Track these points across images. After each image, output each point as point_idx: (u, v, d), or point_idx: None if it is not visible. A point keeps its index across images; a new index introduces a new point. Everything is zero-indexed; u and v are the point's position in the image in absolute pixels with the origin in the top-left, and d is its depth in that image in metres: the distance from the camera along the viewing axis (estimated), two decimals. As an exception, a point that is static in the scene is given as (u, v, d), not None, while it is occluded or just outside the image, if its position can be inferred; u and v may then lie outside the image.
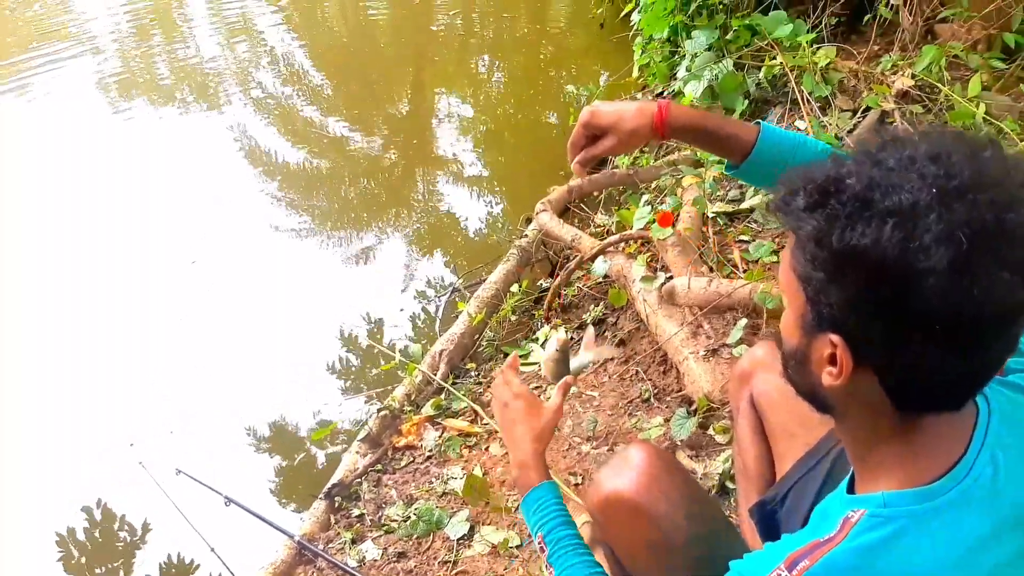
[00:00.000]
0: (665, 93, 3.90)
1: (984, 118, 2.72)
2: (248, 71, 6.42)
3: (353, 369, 3.54)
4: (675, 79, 3.62)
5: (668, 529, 1.20)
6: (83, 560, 2.91)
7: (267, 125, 5.62)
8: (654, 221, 2.67)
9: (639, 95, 4.14)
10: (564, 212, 3.51)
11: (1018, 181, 0.68)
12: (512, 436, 1.28)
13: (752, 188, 2.88)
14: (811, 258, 0.72)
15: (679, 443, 2.17)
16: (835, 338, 0.72)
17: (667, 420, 2.29)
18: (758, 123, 1.16)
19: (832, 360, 0.74)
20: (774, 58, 3.26)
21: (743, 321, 2.33)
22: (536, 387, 2.73)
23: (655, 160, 3.33)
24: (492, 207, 4.55)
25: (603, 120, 1.16)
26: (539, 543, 1.17)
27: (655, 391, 2.46)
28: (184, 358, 3.54)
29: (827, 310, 0.72)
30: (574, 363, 1.41)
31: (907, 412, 0.75)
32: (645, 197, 3.02)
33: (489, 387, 2.80)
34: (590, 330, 1.46)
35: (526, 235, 3.41)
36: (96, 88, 6.22)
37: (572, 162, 1.23)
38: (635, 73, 4.00)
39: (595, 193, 3.65)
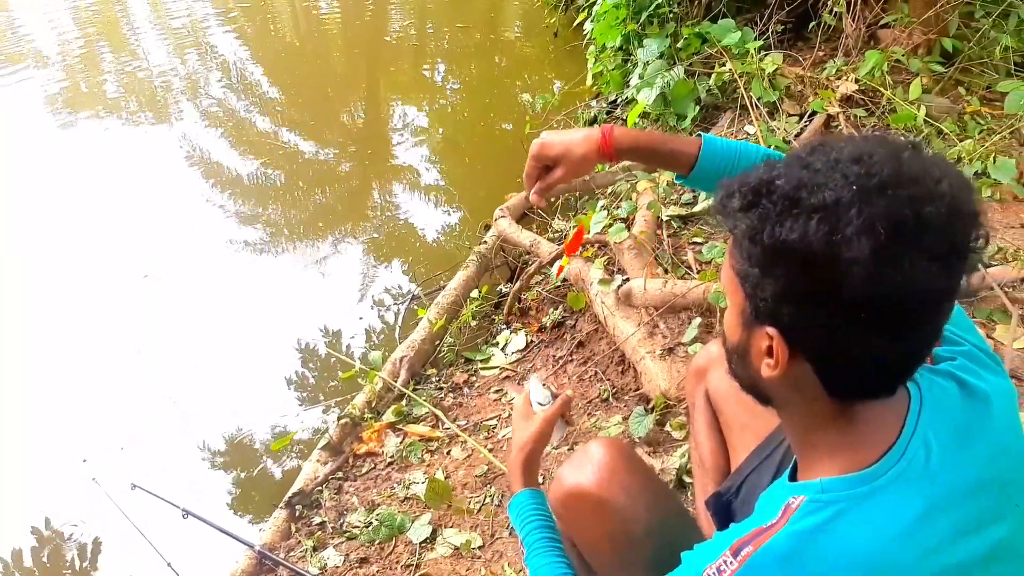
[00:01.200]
0: (619, 100, 3.97)
1: (925, 120, 2.83)
2: (198, 82, 6.35)
3: (311, 380, 3.51)
4: (628, 87, 3.69)
5: (628, 521, 1.22)
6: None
7: (219, 137, 5.55)
8: (611, 225, 2.72)
9: (593, 103, 4.20)
10: (522, 218, 3.54)
11: (935, 178, 0.71)
12: (510, 446, 1.35)
13: (704, 193, 2.94)
14: (747, 255, 0.76)
15: (637, 440, 2.21)
16: (771, 330, 0.76)
17: (625, 418, 2.32)
18: (699, 135, 1.22)
19: (769, 352, 0.78)
20: (724, 65, 3.34)
21: (697, 320, 2.38)
22: (497, 390, 2.74)
23: (610, 166, 3.38)
24: (450, 215, 4.56)
25: (552, 151, 1.22)
26: (520, 546, 1.21)
27: (613, 390, 2.49)
28: (135, 372, 3.47)
29: (763, 303, 0.76)
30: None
31: (841, 400, 0.79)
32: (601, 202, 3.07)
33: (451, 391, 2.80)
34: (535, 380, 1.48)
35: (485, 241, 3.43)
36: (42, 102, 6.09)
37: (530, 193, 1.27)
38: (589, 81, 4.06)
39: (552, 199, 3.69)
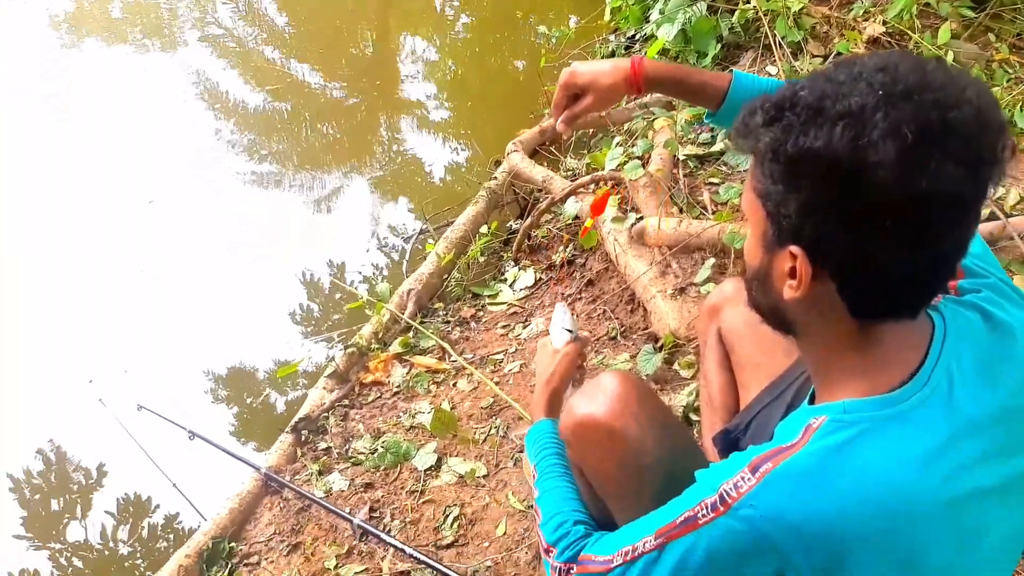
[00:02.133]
0: (637, 36, 3.86)
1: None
2: (206, 8, 6.19)
3: (317, 313, 3.51)
4: (648, 22, 3.58)
5: (638, 451, 1.22)
6: (38, 498, 2.87)
7: (225, 65, 5.44)
8: (626, 162, 2.67)
9: (611, 37, 4.09)
10: (533, 155, 3.48)
11: (960, 86, 0.70)
12: (536, 384, 1.38)
13: (722, 131, 2.88)
14: (769, 173, 0.75)
15: (645, 378, 2.20)
16: (795, 249, 0.75)
17: (633, 356, 2.31)
18: (731, 71, 1.21)
19: (792, 273, 0.77)
20: (747, 2, 3.23)
21: (711, 261, 2.35)
22: (504, 326, 2.73)
23: (626, 103, 3.30)
24: (459, 151, 4.50)
25: (581, 80, 1.22)
26: (532, 471, 1.20)
27: (622, 329, 2.48)
28: (142, 299, 3.47)
29: (786, 221, 0.75)
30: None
31: (864, 320, 0.78)
32: (617, 139, 3.01)
33: (458, 325, 2.79)
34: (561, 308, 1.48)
35: (495, 177, 3.37)
36: (47, 26, 5.95)
37: (556, 122, 1.27)
38: (607, 16, 3.93)
39: (565, 137, 3.62)
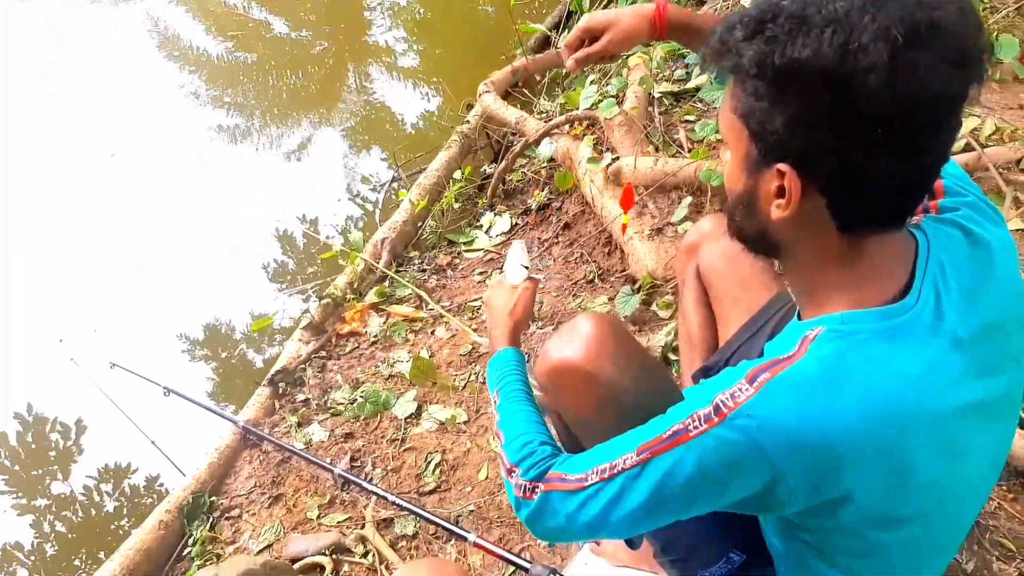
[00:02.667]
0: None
1: None
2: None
3: (290, 266, 3.45)
4: (620, -44, 3.47)
5: (617, 392, 1.20)
6: (16, 468, 2.84)
7: (185, 12, 5.24)
8: (600, 101, 2.61)
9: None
10: (506, 97, 3.40)
11: None
12: (491, 318, 1.34)
13: (698, 67, 2.82)
14: (752, 90, 0.73)
15: (623, 319, 2.19)
16: (782, 166, 0.74)
17: (611, 299, 2.29)
18: None
19: (779, 192, 0.76)
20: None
21: (688, 199, 2.32)
22: (481, 272, 2.70)
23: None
24: (430, 96, 4.39)
25: (600, 20, 1.23)
26: (494, 397, 1.17)
27: (599, 272, 2.46)
28: (109, 257, 3.38)
29: (773, 138, 0.73)
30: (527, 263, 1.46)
31: (852, 233, 0.77)
32: (591, 78, 2.94)
33: (434, 273, 2.76)
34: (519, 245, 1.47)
35: (468, 121, 3.30)
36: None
37: (567, 60, 1.26)
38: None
39: (538, 77, 3.54)
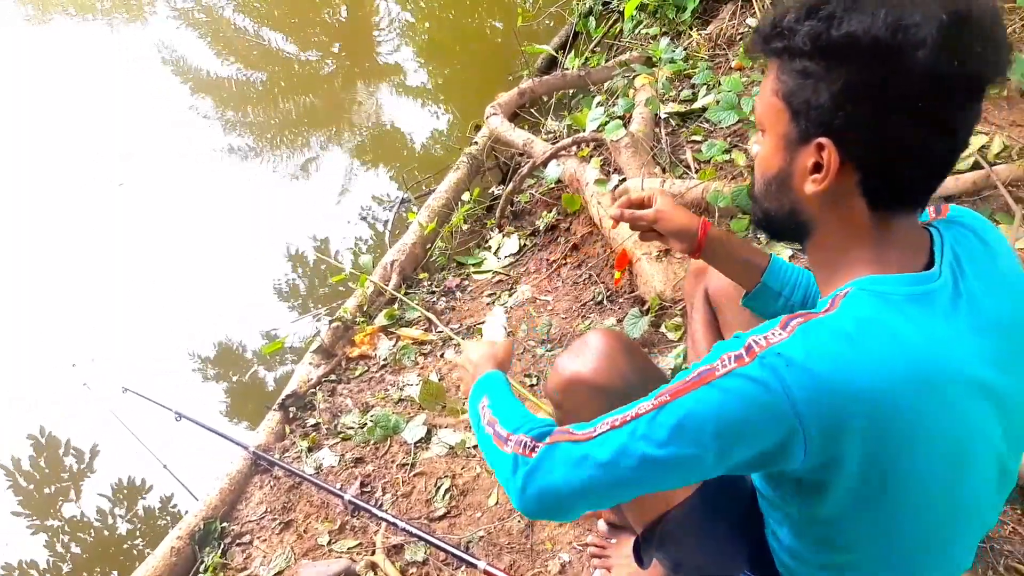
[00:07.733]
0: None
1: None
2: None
3: (301, 287, 3.47)
4: (626, -23, 3.50)
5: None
6: (31, 488, 2.85)
7: (196, 36, 5.30)
8: (607, 122, 2.62)
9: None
10: (513, 118, 3.42)
11: None
12: (471, 363, 1.30)
13: (705, 87, 2.83)
14: (800, 68, 0.79)
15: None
16: (823, 140, 0.79)
17: (620, 320, 2.29)
18: (768, 254, 1.27)
19: (815, 168, 0.81)
20: (726, -47, 3.16)
21: (696, 220, 2.32)
22: (490, 294, 2.71)
23: (606, 61, 3.24)
24: (438, 117, 4.42)
25: (665, 205, 1.26)
26: (484, 403, 1.11)
27: (608, 293, 2.46)
28: (119, 281, 3.41)
29: (816, 112, 0.78)
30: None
31: (879, 211, 0.82)
32: (597, 99, 2.96)
33: (443, 295, 2.77)
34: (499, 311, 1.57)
35: (476, 142, 3.32)
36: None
37: (613, 206, 1.31)
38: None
39: (545, 98, 3.56)
